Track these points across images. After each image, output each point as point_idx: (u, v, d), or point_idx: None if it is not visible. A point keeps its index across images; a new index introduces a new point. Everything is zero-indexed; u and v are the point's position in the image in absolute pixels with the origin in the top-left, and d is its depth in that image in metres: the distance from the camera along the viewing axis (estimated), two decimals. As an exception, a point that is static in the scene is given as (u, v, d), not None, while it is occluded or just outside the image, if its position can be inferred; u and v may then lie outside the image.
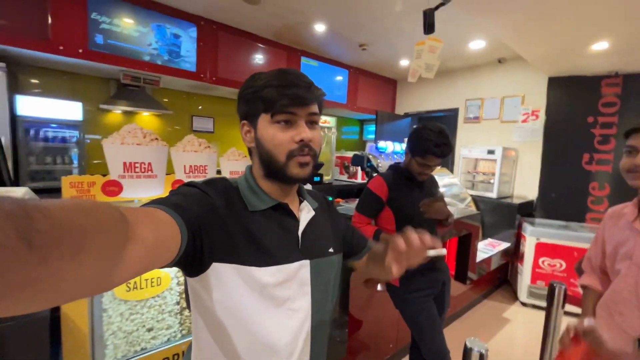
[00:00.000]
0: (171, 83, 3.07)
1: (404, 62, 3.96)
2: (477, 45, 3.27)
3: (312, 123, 0.62)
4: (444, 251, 1.39)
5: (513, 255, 3.34)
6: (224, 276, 0.55)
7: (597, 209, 3.18)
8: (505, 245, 3.22)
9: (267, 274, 0.58)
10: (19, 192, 0.96)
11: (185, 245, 0.49)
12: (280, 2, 2.61)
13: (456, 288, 2.65)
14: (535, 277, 2.97)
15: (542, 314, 2.88)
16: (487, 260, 2.92)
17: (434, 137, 1.30)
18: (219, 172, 1.54)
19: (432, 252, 1.46)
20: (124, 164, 1.12)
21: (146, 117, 3.23)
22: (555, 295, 1.32)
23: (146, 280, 1.07)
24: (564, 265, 2.85)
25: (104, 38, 2.44)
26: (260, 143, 0.61)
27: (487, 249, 3.08)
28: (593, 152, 3.16)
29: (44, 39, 2.21)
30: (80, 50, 2.35)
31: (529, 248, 3.00)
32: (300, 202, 0.69)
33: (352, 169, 3.16)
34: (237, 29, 3.08)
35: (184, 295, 1.16)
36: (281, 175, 0.61)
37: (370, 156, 2.37)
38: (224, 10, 2.76)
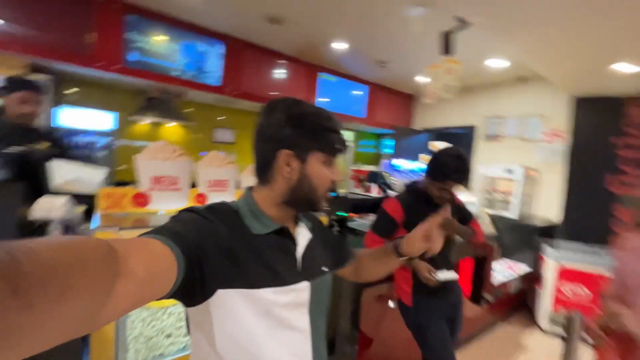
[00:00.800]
0: (196, 96, 3.24)
1: (421, 79, 3.99)
2: (497, 63, 3.26)
3: None
4: (455, 275, 1.38)
5: (532, 278, 3.23)
6: (229, 302, 0.55)
7: (621, 232, 3.04)
8: (523, 267, 3.12)
9: (274, 294, 0.59)
10: (61, 200, 1.06)
11: (183, 276, 0.47)
12: (303, 22, 2.73)
13: (471, 310, 2.59)
14: (555, 302, 2.86)
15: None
16: (506, 285, 2.84)
17: (453, 163, 1.32)
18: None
19: (442, 276, 1.47)
20: (154, 177, 1.20)
21: (171, 128, 3.41)
22: (575, 325, 1.28)
23: None
24: (587, 292, 2.72)
25: (139, 55, 2.63)
26: (306, 177, 0.64)
27: (507, 273, 2.99)
28: (617, 173, 3.05)
29: (87, 55, 2.40)
30: (117, 66, 2.53)
31: (549, 272, 2.90)
32: (297, 224, 0.72)
33: (367, 183, 3.19)
34: (261, 47, 3.22)
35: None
36: (310, 205, 0.66)
37: (384, 174, 2.39)
38: (249, 29, 2.91)
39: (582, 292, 2.75)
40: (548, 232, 3.31)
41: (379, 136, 5.40)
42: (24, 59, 2.26)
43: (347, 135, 4.32)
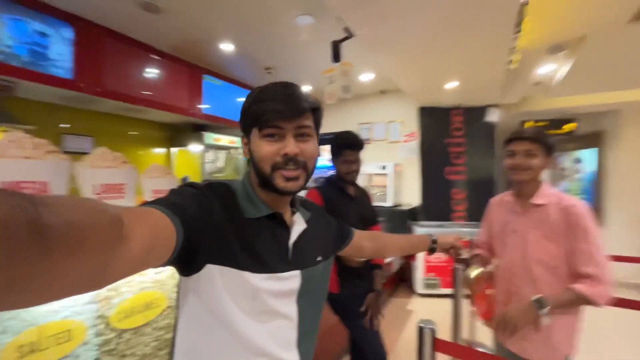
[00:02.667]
0: (34, 92, 2.43)
1: (306, 88, 4.26)
2: (366, 77, 3.84)
3: (302, 136, 0.62)
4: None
5: (407, 256, 3.90)
6: (217, 278, 0.56)
7: (458, 209, 4.06)
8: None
9: (261, 280, 0.59)
10: None
11: (180, 245, 0.49)
12: (184, 15, 2.47)
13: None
14: (427, 270, 3.54)
15: (437, 300, 3.39)
16: (389, 265, 3.32)
17: (343, 135, 1.58)
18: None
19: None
20: (2, 184, 0.83)
21: (-12, 134, 2.42)
22: (425, 339, 1.02)
23: (49, 337, 0.77)
24: (444, 256, 3.49)
25: None
26: (252, 155, 0.64)
27: (390, 251, 3.50)
28: (451, 165, 4.07)
29: None
30: None
31: (419, 246, 3.57)
32: (293, 212, 0.71)
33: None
34: (127, 36, 2.72)
35: (104, 348, 0.89)
36: (270, 186, 0.63)
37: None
38: (112, 13, 2.41)
39: (442, 257, 3.51)
40: (414, 215, 4.08)
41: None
42: None
43: (237, 142, 4.14)
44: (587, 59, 2.49)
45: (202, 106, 3.42)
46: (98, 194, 1.03)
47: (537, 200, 1.15)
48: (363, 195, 1.72)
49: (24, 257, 0.23)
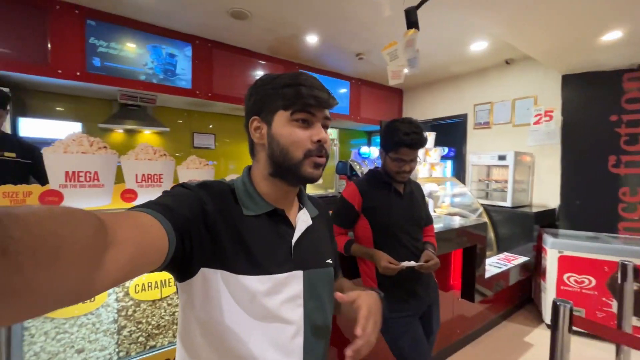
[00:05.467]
0: (169, 101, 3.15)
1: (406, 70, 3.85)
2: (479, 46, 3.11)
3: (325, 127, 0.63)
4: (412, 262, 1.22)
5: (534, 270, 3.00)
6: (212, 282, 0.54)
7: (630, 217, 2.81)
8: (523, 259, 2.91)
9: (256, 282, 0.56)
10: None
11: (174, 249, 0.47)
12: (269, 16, 2.63)
13: (466, 308, 2.39)
14: (560, 295, 2.63)
15: (576, 338, 2.54)
16: (503, 276, 2.63)
17: (403, 127, 1.23)
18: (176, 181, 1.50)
19: (404, 263, 1.30)
20: (67, 173, 1.08)
21: (147, 136, 3.32)
22: (560, 316, 1.11)
23: None
24: (594, 281, 2.50)
25: (101, 61, 2.55)
26: (274, 139, 0.60)
27: (502, 263, 2.79)
28: (620, 153, 2.83)
29: (43, 64, 2.33)
30: (78, 73, 2.45)
31: (550, 262, 2.69)
32: (300, 208, 0.68)
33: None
34: (231, 45, 3.14)
35: (122, 313, 1.08)
36: (293, 173, 0.60)
37: (353, 163, 2.24)
38: (215, 28, 2.82)
39: (586, 281, 2.53)
40: (546, 220, 3.10)
41: (370, 134, 5.26)
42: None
43: (332, 134, 4.20)
44: None
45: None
46: (139, 182, 1.22)
47: None
48: (415, 192, 1.41)
49: None
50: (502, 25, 2.18)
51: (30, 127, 2.55)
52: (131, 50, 2.67)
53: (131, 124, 2.92)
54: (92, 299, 1.02)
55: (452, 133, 4.17)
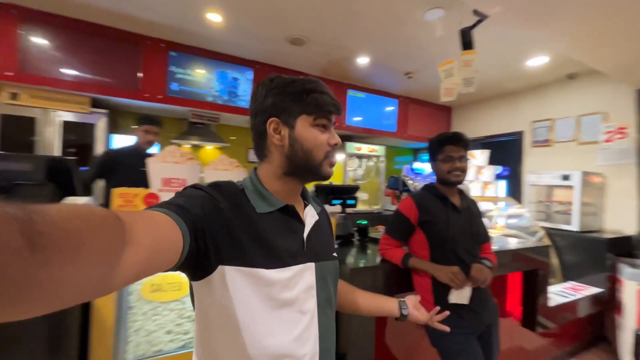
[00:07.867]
0: (231, 120, 3.47)
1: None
2: (537, 62, 3.00)
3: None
4: (465, 299, 1.27)
5: (607, 304, 2.69)
6: (231, 279, 0.54)
7: None
8: (594, 290, 2.63)
9: (275, 275, 0.58)
10: (83, 199, 1.19)
11: (188, 247, 0.48)
12: (324, 41, 2.83)
13: (527, 339, 2.22)
14: (642, 332, 2.32)
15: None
16: (570, 307, 2.40)
17: (443, 134, 1.38)
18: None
19: (453, 299, 1.35)
20: (163, 179, 1.28)
21: (210, 150, 3.67)
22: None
23: (169, 284, 1.16)
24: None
25: (179, 85, 2.94)
26: (297, 142, 0.63)
27: (568, 292, 2.55)
28: None
29: (135, 89, 2.76)
30: (160, 97, 2.85)
31: (628, 296, 2.40)
32: (305, 205, 0.71)
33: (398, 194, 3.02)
34: (287, 68, 3.40)
35: None
36: (313, 173, 0.64)
37: (405, 179, 2.26)
38: (275, 53, 3.10)
39: (676, 320, 2.21)
40: (621, 248, 2.78)
41: (416, 151, 5.21)
42: (85, 97, 2.66)
43: (378, 150, 4.24)
44: None
45: (348, 118, 3.75)
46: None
47: None
48: (471, 207, 1.40)
49: (18, 267, 0.22)
50: (565, 39, 2.11)
51: (120, 142, 2.98)
52: (201, 76, 3.03)
53: (197, 139, 3.27)
54: (179, 288, 1.18)
55: (506, 151, 3.98)
